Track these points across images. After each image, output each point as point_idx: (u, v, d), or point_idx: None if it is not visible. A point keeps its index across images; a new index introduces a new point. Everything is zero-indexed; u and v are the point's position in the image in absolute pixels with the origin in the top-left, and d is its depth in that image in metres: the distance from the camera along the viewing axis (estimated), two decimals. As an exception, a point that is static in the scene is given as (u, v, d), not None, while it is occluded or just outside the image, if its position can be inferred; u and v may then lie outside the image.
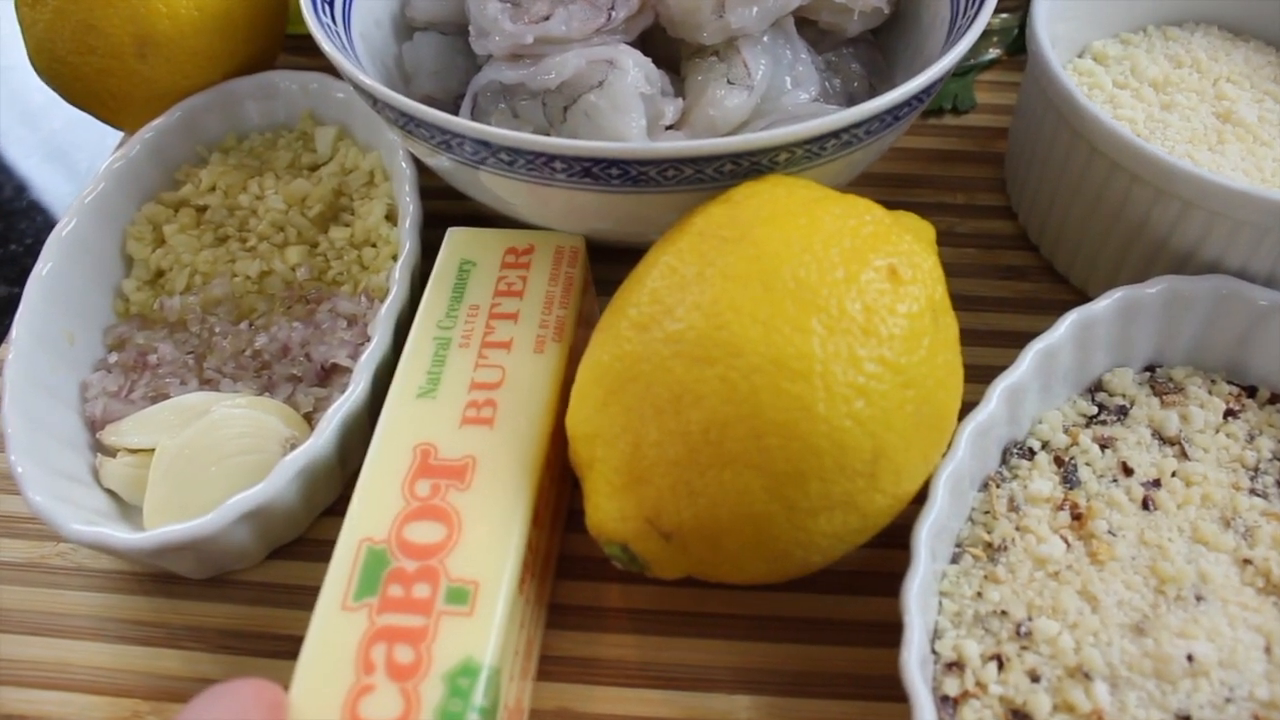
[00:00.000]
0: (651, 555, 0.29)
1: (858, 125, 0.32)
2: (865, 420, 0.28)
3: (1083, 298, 0.41)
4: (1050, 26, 0.41)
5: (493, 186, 0.34)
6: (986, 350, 0.39)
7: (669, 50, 0.37)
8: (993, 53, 0.49)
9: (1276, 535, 0.33)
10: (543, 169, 0.31)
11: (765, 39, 0.36)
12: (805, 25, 0.39)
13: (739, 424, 0.27)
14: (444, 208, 0.41)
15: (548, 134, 0.36)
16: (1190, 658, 0.29)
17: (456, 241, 0.35)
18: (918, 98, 0.33)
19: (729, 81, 0.35)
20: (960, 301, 0.41)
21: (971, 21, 0.35)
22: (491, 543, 0.29)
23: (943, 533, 0.32)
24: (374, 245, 0.39)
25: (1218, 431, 0.35)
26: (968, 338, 0.39)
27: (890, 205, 0.44)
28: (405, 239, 0.37)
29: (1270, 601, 0.32)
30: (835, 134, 0.32)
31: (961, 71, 0.48)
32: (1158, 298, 0.36)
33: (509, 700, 0.29)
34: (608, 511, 0.29)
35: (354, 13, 0.39)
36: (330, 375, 0.36)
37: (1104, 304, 0.35)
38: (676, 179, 0.31)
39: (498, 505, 0.30)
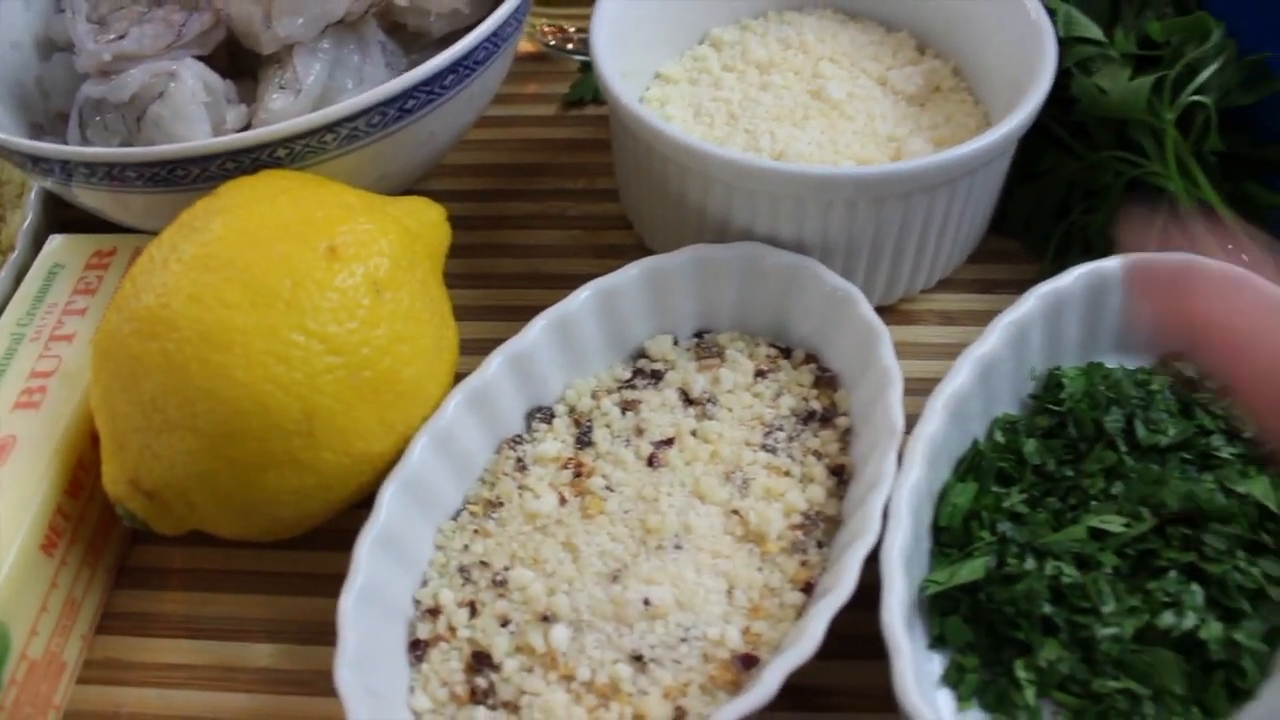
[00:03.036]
0: (145, 513, 0.33)
1: (346, 120, 0.35)
2: (289, 384, 0.30)
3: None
4: (655, 16, 0.43)
5: (79, 195, 0.38)
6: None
7: (256, 60, 0.41)
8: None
9: (769, 486, 0.34)
10: (83, 176, 0.35)
11: (325, 44, 0.39)
12: (399, 30, 0.42)
13: (176, 393, 0.30)
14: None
15: (130, 144, 0.39)
16: (647, 601, 0.32)
17: (53, 248, 0.40)
18: (419, 88, 0.36)
19: (280, 86, 0.38)
20: (559, 281, 0.43)
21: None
22: (8, 514, 0.32)
23: (431, 489, 0.34)
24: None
25: (746, 391, 0.37)
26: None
27: (509, 193, 0.46)
28: (18, 242, 0.41)
29: (745, 549, 0.33)
30: (328, 128, 0.35)
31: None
32: (685, 266, 0.38)
33: (33, 652, 0.32)
34: (107, 474, 0.33)
35: (-13, 38, 0.43)
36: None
37: (625, 275, 0.37)
38: (196, 177, 0.35)
39: (24, 480, 0.33)
